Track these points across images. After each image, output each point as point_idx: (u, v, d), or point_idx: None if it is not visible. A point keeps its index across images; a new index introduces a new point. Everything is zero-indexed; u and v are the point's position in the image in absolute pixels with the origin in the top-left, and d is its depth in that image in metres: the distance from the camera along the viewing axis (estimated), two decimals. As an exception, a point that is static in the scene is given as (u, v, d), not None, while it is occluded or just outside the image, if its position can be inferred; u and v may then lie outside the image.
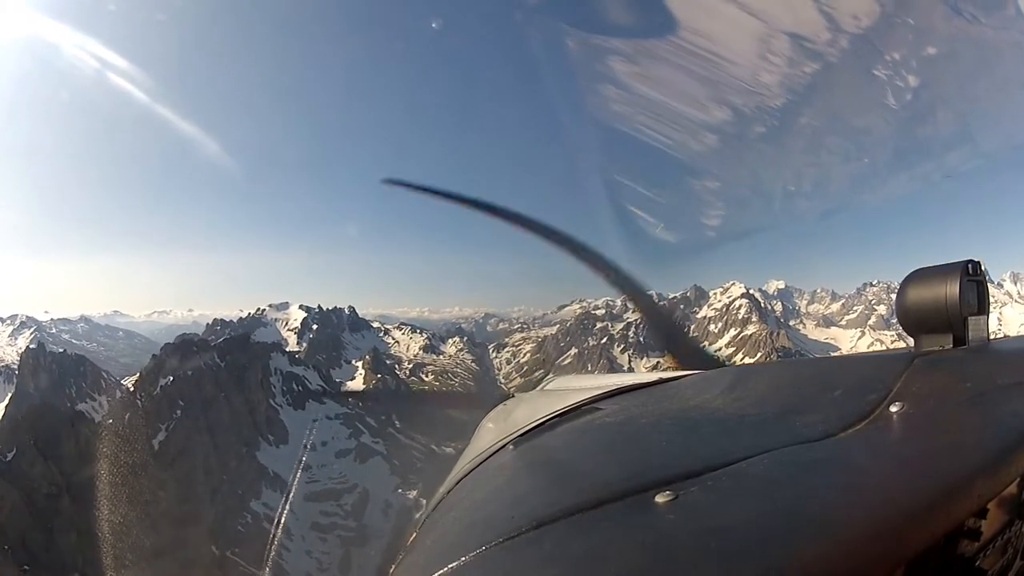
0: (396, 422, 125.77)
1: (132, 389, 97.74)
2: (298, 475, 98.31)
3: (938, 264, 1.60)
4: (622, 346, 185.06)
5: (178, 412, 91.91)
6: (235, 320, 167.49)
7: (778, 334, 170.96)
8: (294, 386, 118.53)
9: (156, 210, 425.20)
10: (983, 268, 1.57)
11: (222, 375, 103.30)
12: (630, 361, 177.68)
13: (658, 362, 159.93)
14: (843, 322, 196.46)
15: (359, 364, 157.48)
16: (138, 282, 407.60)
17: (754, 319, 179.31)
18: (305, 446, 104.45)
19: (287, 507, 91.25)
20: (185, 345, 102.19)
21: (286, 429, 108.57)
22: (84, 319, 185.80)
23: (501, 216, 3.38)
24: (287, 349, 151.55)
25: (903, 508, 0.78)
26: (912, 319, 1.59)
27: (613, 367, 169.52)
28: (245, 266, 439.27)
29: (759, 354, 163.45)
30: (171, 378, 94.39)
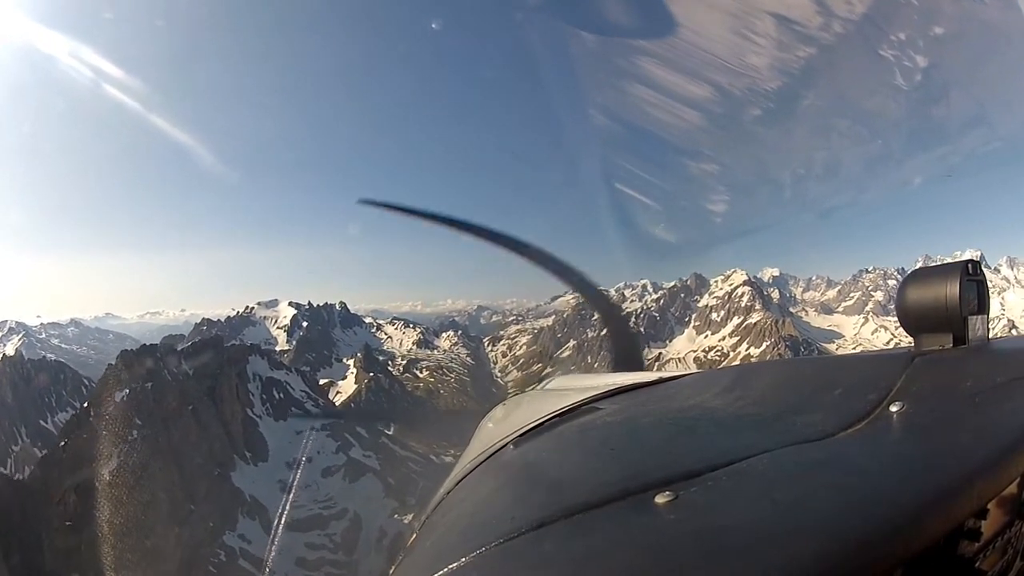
0: (389, 430, 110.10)
1: (86, 406, 79.81)
2: (287, 502, 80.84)
3: (938, 264, 1.54)
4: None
5: (134, 432, 73.98)
6: (223, 320, 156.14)
7: (783, 322, 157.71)
8: (275, 393, 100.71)
9: (149, 211, 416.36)
10: (983, 266, 1.52)
11: (190, 384, 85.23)
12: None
13: (660, 353, 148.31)
14: (840, 309, 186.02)
15: (350, 362, 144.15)
16: (131, 283, 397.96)
17: (757, 307, 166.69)
18: (297, 467, 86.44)
19: (273, 544, 74.07)
20: (147, 351, 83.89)
21: (265, 444, 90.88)
22: (74, 322, 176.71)
23: (473, 232, 3.35)
24: (277, 348, 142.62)
25: (903, 508, 0.76)
26: (912, 319, 1.53)
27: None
28: (239, 264, 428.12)
29: (764, 344, 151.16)
30: (127, 391, 76.19)
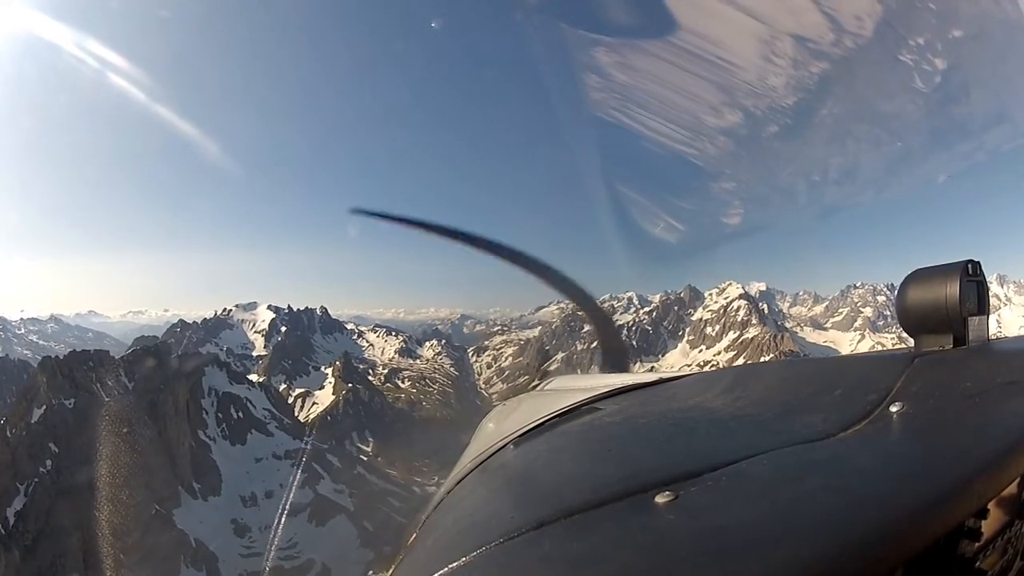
0: (363, 454, 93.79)
1: (3, 423, 61.72)
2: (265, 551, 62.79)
3: (937, 264, 1.50)
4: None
5: (48, 462, 56.21)
6: (199, 322, 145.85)
7: (782, 337, 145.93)
8: (233, 412, 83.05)
9: (138, 209, 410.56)
10: (982, 268, 1.49)
11: (127, 401, 67.13)
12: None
13: (652, 367, 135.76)
14: (829, 325, 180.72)
15: (329, 371, 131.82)
16: (118, 281, 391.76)
17: (754, 321, 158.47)
18: (281, 516, 67.88)
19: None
20: (75, 360, 66.01)
21: (218, 473, 73.62)
22: (54, 319, 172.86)
23: (464, 240, 3.39)
24: (254, 353, 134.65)
25: (903, 508, 0.75)
26: (912, 319, 1.50)
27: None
28: (225, 265, 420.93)
29: (762, 359, 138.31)
30: (44, 409, 58.37)
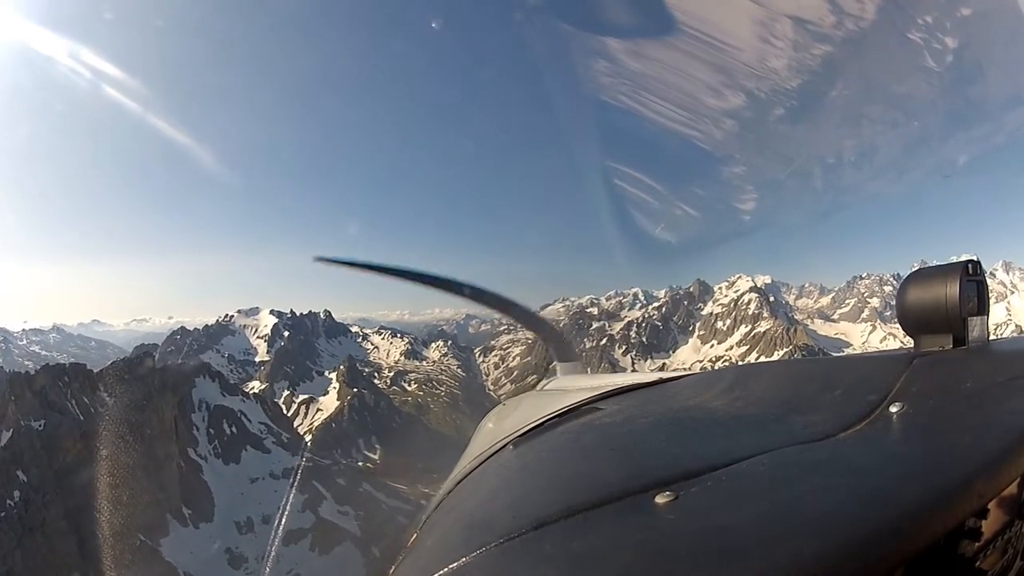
0: (371, 462, 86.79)
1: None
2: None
3: (938, 264, 1.48)
4: (624, 347, 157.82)
5: (16, 493, 48.37)
6: (200, 328, 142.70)
7: (795, 330, 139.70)
8: (226, 427, 74.52)
9: (141, 217, 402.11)
10: (982, 268, 1.47)
11: (107, 418, 58.74)
12: (633, 364, 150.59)
13: (663, 364, 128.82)
14: (836, 316, 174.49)
15: (333, 375, 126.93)
16: (121, 290, 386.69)
17: (766, 315, 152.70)
18: (272, 540, 59.16)
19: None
20: (48, 375, 58.27)
21: (211, 496, 65.35)
22: (57, 328, 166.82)
23: (427, 283, 3.15)
24: (256, 359, 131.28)
25: (903, 508, 0.73)
26: (912, 319, 1.47)
27: (615, 371, 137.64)
28: (229, 271, 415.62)
29: (778, 353, 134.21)
30: (11, 432, 50.54)
